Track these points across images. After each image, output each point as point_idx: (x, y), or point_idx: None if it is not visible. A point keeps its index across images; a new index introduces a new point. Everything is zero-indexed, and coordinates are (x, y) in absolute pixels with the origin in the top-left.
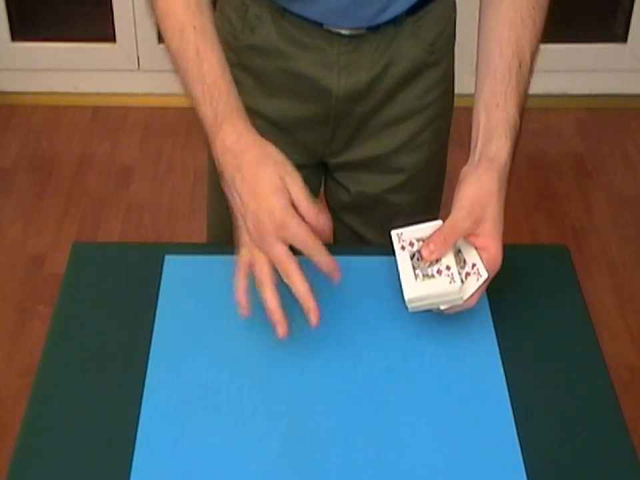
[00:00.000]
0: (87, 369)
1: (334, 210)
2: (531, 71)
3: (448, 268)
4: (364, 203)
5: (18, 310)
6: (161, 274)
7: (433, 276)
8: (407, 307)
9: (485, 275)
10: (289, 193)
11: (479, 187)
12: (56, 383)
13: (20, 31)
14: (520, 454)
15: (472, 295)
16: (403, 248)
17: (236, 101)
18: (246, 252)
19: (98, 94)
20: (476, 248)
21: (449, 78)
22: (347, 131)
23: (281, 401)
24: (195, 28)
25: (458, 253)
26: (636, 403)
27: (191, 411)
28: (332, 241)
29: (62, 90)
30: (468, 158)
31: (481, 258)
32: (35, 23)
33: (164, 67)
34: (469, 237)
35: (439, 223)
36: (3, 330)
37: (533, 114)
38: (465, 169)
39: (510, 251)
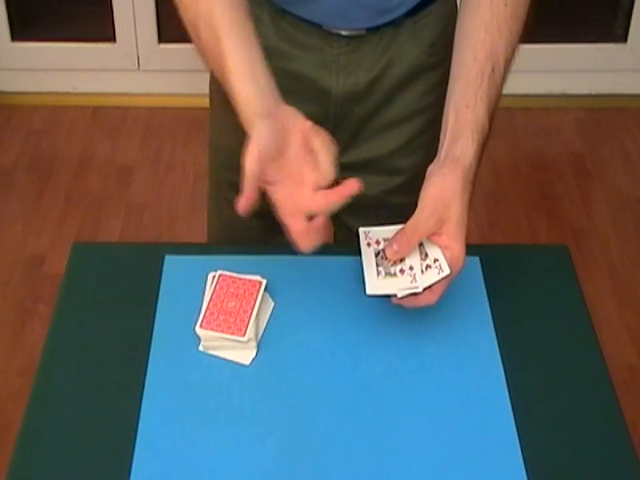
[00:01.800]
0: (86, 369)
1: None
2: (504, 77)
3: (411, 268)
4: (363, 204)
5: (18, 310)
6: (161, 274)
7: (395, 275)
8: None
9: (446, 271)
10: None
11: (442, 187)
12: (56, 383)
13: (20, 31)
14: (520, 454)
15: (432, 289)
16: (368, 245)
17: (262, 77)
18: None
19: (98, 94)
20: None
21: (447, 80)
22: (346, 132)
23: (280, 400)
24: (234, 23)
25: (421, 246)
26: (636, 402)
27: (191, 410)
28: (332, 241)
29: (62, 90)
30: None
31: (444, 255)
32: (35, 23)
33: (164, 66)
34: (432, 236)
35: None
36: (3, 330)
37: (533, 114)
38: (431, 167)
39: (510, 251)
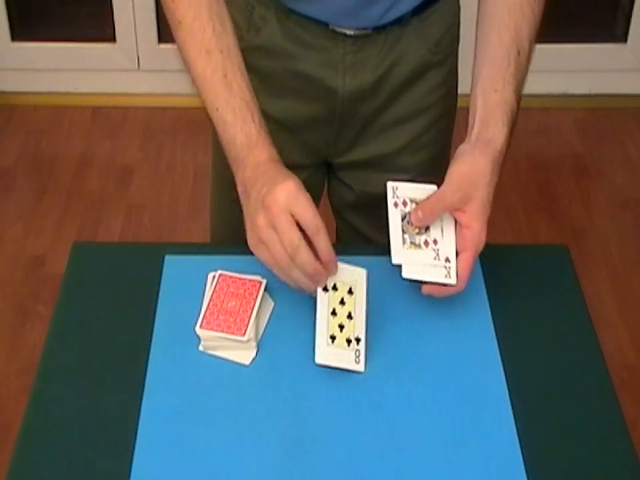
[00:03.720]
0: (87, 368)
1: (337, 209)
2: (528, 60)
3: (435, 242)
4: (368, 202)
5: (18, 310)
6: (161, 274)
7: (419, 246)
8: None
9: (453, 282)
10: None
11: (472, 166)
12: (56, 383)
13: (20, 31)
14: (520, 454)
15: (460, 277)
16: (396, 205)
17: (264, 125)
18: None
19: (98, 94)
20: (457, 225)
21: (453, 78)
22: (352, 131)
23: (281, 400)
24: (221, 52)
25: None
26: (636, 403)
27: (191, 410)
28: (335, 240)
29: (62, 90)
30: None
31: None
32: (35, 23)
33: (164, 66)
34: (455, 212)
35: (434, 187)
36: (3, 330)
37: (533, 114)
38: (462, 147)
39: (510, 251)
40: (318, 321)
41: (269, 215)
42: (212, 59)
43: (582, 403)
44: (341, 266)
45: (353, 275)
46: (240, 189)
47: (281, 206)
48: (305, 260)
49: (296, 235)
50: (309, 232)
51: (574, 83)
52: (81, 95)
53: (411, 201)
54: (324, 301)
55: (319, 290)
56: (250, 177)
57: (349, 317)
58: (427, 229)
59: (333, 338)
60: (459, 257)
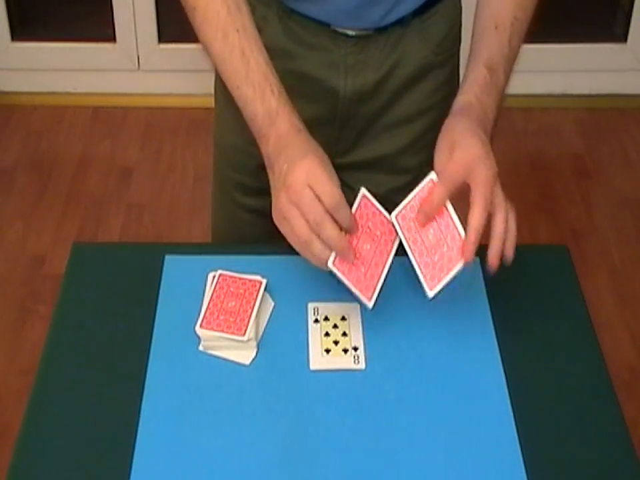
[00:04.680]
0: (86, 368)
1: None
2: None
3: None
4: None
5: (18, 310)
6: (161, 274)
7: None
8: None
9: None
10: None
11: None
12: (56, 383)
13: (20, 31)
14: (520, 454)
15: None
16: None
17: (286, 96)
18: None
19: (98, 94)
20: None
21: (454, 78)
22: (353, 132)
23: (280, 400)
24: (237, 30)
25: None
26: (636, 402)
27: (191, 410)
28: None
29: (62, 90)
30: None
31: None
32: (34, 23)
33: (164, 67)
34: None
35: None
36: (3, 330)
37: (533, 114)
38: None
39: None
40: (311, 343)
41: (291, 193)
42: (228, 40)
43: (582, 403)
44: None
45: (345, 309)
46: (266, 163)
47: (301, 184)
48: (329, 234)
49: (319, 210)
50: (328, 207)
51: (574, 83)
52: (80, 94)
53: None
54: (315, 330)
55: (310, 322)
56: (273, 152)
57: (344, 334)
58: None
59: (327, 351)
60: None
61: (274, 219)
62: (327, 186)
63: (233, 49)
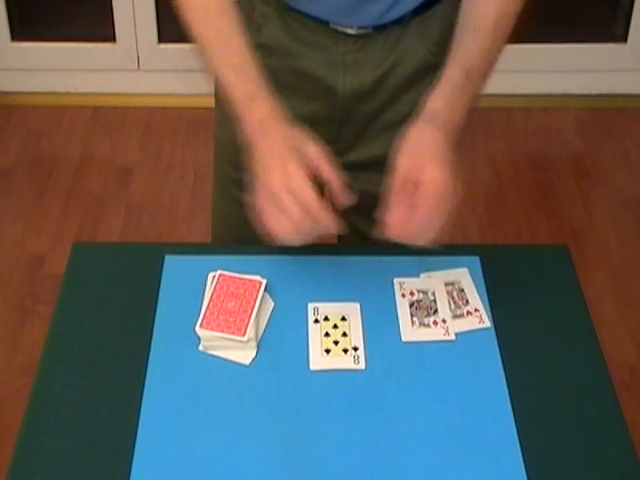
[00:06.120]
0: (87, 368)
1: (337, 209)
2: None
3: (444, 321)
4: (369, 202)
5: (18, 310)
6: (161, 274)
7: (428, 325)
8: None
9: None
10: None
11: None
12: (56, 383)
13: (20, 31)
14: (520, 454)
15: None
16: (403, 295)
17: (264, 79)
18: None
19: (98, 94)
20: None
21: None
22: (353, 131)
23: (281, 400)
24: (221, 14)
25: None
26: (636, 402)
27: (191, 410)
28: (335, 240)
29: (62, 90)
30: (467, 157)
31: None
32: (34, 23)
33: (164, 67)
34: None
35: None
36: (3, 330)
37: (533, 114)
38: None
39: (510, 251)
40: (311, 343)
41: (271, 194)
42: (211, 24)
43: (582, 403)
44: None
45: (345, 308)
46: (247, 145)
47: (277, 188)
48: (318, 215)
49: (299, 212)
50: (310, 215)
51: (574, 82)
52: (81, 94)
53: (418, 291)
54: (315, 330)
55: (310, 322)
56: (252, 137)
57: (344, 335)
58: (435, 311)
59: (327, 351)
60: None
61: (256, 207)
62: (306, 193)
63: (216, 34)
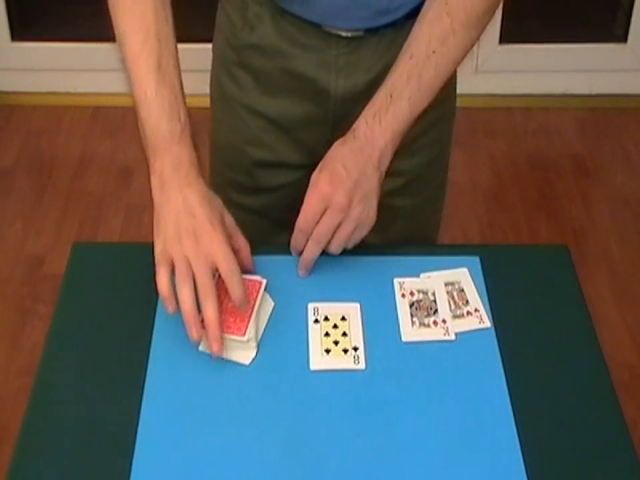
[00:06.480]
0: (87, 368)
1: None
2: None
3: (444, 321)
4: None
5: (18, 310)
6: None
7: (428, 325)
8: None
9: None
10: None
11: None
12: (56, 383)
13: (20, 31)
14: (520, 454)
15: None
16: (403, 296)
17: (189, 126)
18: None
19: (98, 94)
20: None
21: (450, 81)
22: (346, 133)
23: (280, 400)
24: (159, 40)
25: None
26: (636, 402)
27: (191, 410)
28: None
29: (62, 90)
30: (467, 157)
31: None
32: (34, 23)
33: None
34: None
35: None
36: (3, 330)
37: (533, 114)
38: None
39: (510, 251)
40: (311, 343)
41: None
42: (149, 42)
43: (582, 403)
44: (334, 304)
45: (345, 308)
46: (154, 181)
47: (179, 255)
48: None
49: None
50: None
51: (574, 82)
52: (80, 94)
53: (418, 291)
54: (315, 330)
55: (310, 322)
56: (167, 180)
57: (344, 335)
58: (435, 311)
59: (327, 351)
60: None
61: (155, 255)
62: (203, 268)
63: (150, 55)
